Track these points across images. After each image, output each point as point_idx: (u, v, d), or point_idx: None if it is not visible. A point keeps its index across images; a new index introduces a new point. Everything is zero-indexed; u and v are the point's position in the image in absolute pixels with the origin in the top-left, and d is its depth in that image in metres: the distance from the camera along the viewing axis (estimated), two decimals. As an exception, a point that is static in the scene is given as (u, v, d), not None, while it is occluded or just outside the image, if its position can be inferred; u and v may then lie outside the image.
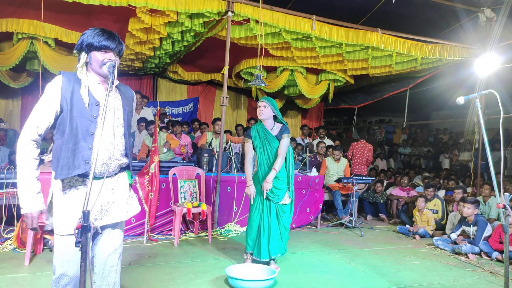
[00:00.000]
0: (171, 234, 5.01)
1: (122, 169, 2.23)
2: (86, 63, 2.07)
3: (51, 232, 4.18)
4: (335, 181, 6.69)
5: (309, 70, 8.18)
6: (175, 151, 6.63)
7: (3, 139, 6.93)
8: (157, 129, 5.04)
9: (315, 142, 8.32)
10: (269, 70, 8.26)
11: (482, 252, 4.84)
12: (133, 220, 4.79)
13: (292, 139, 7.65)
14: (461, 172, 9.18)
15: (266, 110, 3.87)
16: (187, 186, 5.12)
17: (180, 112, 9.60)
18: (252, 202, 3.92)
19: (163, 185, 5.06)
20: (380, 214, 7.20)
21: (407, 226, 6.13)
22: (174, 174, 5.10)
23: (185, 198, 5.06)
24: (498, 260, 4.66)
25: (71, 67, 6.61)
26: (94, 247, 2.16)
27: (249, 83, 7.39)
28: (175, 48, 6.72)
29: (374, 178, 7.54)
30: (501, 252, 4.63)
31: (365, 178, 6.57)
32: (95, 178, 2.02)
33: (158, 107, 6.17)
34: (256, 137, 3.96)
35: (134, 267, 3.82)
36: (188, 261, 4.08)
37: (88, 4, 4.93)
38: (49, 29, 6.11)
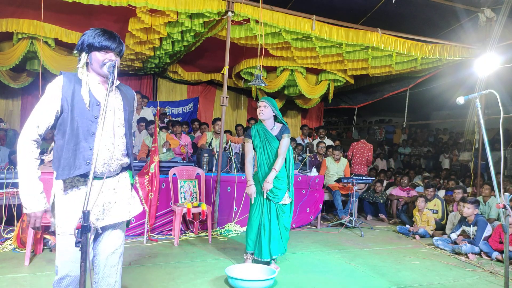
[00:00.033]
0: (171, 234, 5.01)
1: (124, 169, 2.24)
2: (87, 64, 2.07)
3: (51, 232, 4.18)
4: (335, 181, 6.69)
5: (309, 70, 8.18)
6: (175, 151, 6.63)
7: (3, 139, 6.93)
8: (157, 129, 5.04)
9: (315, 142, 8.32)
10: (269, 70, 8.26)
11: (482, 252, 4.84)
12: (133, 220, 4.79)
13: (292, 139, 7.65)
14: (461, 172, 9.18)
15: (266, 110, 3.87)
16: (187, 186, 5.12)
17: (180, 112, 9.60)
18: (252, 202, 3.92)
19: (163, 185, 5.06)
20: (380, 214, 7.20)
21: (407, 226, 6.13)
22: (174, 174, 5.10)
23: (185, 198, 5.06)
24: (498, 260, 4.66)
25: (71, 67, 6.61)
26: (95, 247, 2.16)
27: (249, 83, 7.39)
28: (175, 48, 6.72)
29: (374, 178, 7.54)
30: (501, 252, 4.63)
31: (365, 178, 6.57)
32: (97, 178, 2.02)
33: (158, 107, 6.16)
34: (256, 137, 3.96)
35: (134, 267, 3.82)
36: (188, 261, 4.08)
37: (88, 4, 4.93)
38: (49, 29, 6.11)
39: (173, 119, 8.45)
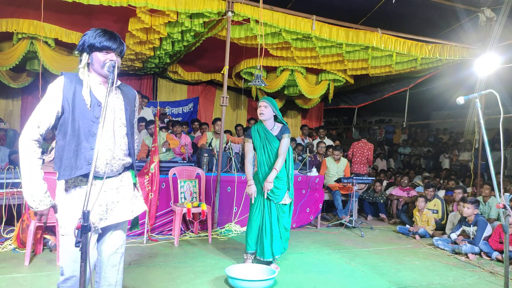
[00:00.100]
0: (171, 234, 5.01)
1: (126, 168, 2.24)
2: (88, 64, 2.08)
3: (51, 232, 4.18)
4: (335, 181, 6.69)
5: (309, 70, 8.18)
6: (175, 151, 6.63)
7: (3, 139, 6.92)
8: (157, 129, 5.04)
9: (315, 142, 8.32)
10: (269, 70, 8.26)
11: (482, 252, 4.84)
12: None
13: (292, 139, 7.65)
14: (461, 172, 9.18)
15: (266, 110, 3.87)
16: (187, 186, 5.12)
17: (180, 112, 9.60)
18: (253, 202, 3.92)
19: (163, 185, 5.06)
20: (380, 214, 7.20)
21: (407, 226, 6.13)
22: (174, 174, 5.10)
23: (185, 198, 5.06)
24: (498, 260, 4.66)
25: (71, 67, 6.61)
26: (98, 247, 2.16)
27: (249, 83, 7.39)
28: (175, 48, 6.72)
29: (374, 178, 7.54)
30: (501, 252, 4.63)
31: (365, 178, 6.57)
32: (99, 178, 2.03)
33: (158, 107, 6.17)
34: (256, 137, 3.96)
35: (134, 267, 3.82)
36: (188, 261, 4.08)
37: (88, 4, 4.93)
38: (49, 29, 6.11)
39: (173, 119, 8.45)
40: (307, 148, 8.06)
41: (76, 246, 1.67)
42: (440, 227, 6.04)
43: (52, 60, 6.59)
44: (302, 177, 6.06)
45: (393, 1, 6.05)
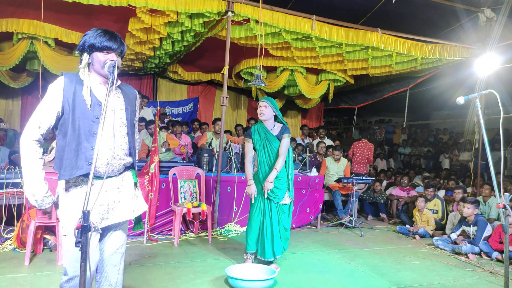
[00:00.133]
0: (171, 234, 5.01)
1: (127, 168, 2.24)
2: (88, 64, 2.08)
3: (51, 232, 4.18)
4: (335, 181, 6.69)
5: (309, 70, 8.18)
6: (175, 151, 6.64)
7: (3, 139, 6.92)
8: (157, 129, 5.04)
9: (315, 142, 8.32)
10: (269, 70, 8.26)
11: (482, 252, 4.84)
12: (133, 220, 4.77)
13: (292, 139, 7.65)
14: (461, 172, 9.17)
15: (267, 110, 3.87)
16: (187, 186, 5.12)
17: (180, 112, 9.60)
18: (253, 202, 3.92)
19: (163, 185, 5.06)
20: (381, 214, 7.19)
21: (407, 226, 6.13)
22: (174, 174, 5.10)
23: (185, 198, 5.06)
24: (498, 260, 4.66)
25: (71, 67, 6.61)
26: (100, 247, 2.16)
27: (249, 83, 7.39)
28: (175, 48, 6.72)
29: (374, 178, 7.54)
30: (501, 252, 4.63)
31: (365, 178, 6.57)
32: (100, 178, 2.03)
33: (158, 107, 6.17)
34: (256, 137, 3.96)
35: (134, 267, 3.82)
36: (188, 261, 4.08)
37: (88, 4, 4.93)
38: (49, 29, 6.11)
39: (173, 119, 8.45)
40: (307, 148, 8.06)
41: (76, 246, 1.67)
42: (440, 227, 6.04)
43: (52, 60, 6.59)
44: (302, 177, 6.06)
45: (393, 1, 6.05)
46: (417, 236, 5.76)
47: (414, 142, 12.29)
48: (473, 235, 5.03)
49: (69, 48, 6.88)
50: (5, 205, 4.37)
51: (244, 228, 5.25)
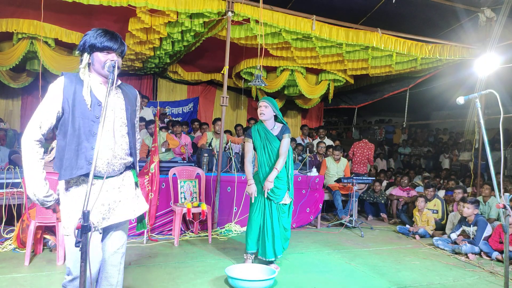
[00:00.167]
0: (171, 234, 5.01)
1: (127, 167, 2.24)
2: (89, 64, 2.08)
3: (51, 232, 4.18)
4: (335, 181, 6.69)
5: (309, 70, 8.18)
6: (175, 151, 6.64)
7: (3, 139, 6.92)
8: (157, 129, 5.04)
9: (315, 142, 8.32)
10: (269, 70, 8.26)
11: (482, 252, 4.84)
12: (133, 220, 4.77)
13: (292, 139, 7.65)
14: (461, 172, 9.17)
15: (267, 110, 3.87)
16: (187, 186, 5.12)
17: (180, 112, 9.60)
18: (253, 201, 3.91)
19: (163, 185, 5.06)
20: (381, 214, 7.19)
21: (407, 226, 6.13)
22: (174, 174, 5.10)
23: (185, 198, 5.06)
24: (498, 260, 4.66)
25: (71, 67, 6.61)
26: (102, 247, 2.17)
27: (249, 83, 7.39)
28: (175, 48, 6.72)
29: (374, 178, 7.54)
30: (501, 252, 4.63)
31: (365, 178, 6.57)
32: (100, 178, 2.03)
33: (158, 107, 6.17)
34: (256, 137, 3.96)
35: (134, 267, 3.83)
36: (188, 261, 4.08)
37: (88, 4, 4.93)
38: (49, 29, 6.11)
39: (173, 119, 8.45)
40: (307, 148, 8.06)
41: (76, 246, 1.67)
42: (440, 227, 6.04)
43: (52, 60, 6.59)
44: (302, 177, 6.06)
45: (393, 1, 6.05)
46: (417, 236, 5.76)
47: (414, 142, 12.29)
48: (473, 235, 5.03)
49: (69, 48, 6.88)
50: (5, 205, 4.37)
51: (244, 228, 5.25)
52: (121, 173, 2.19)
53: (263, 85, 6.17)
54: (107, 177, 2.06)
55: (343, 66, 7.57)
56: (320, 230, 5.98)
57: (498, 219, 5.65)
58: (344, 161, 7.02)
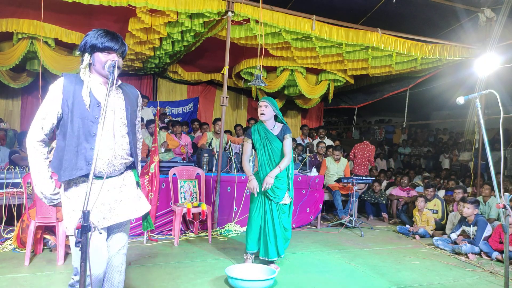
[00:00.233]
0: (171, 234, 5.01)
1: (128, 167, 2.24)
2: (90, 64, 2.08)
3: (51, 232, 4.18)
4: (335, 181, 6.69)
5: (309, 70, 8.18)
6: (175, 151, 6.64)
7: (3, 139, 6.92)
8: (157, 129, 5.04)
9: (315, 142, 8.32)
10: (269, 70, 8.26)
11: (482, 252, 4.84)
12: (133, 220, 4.78)
13: (292, 139, 7.64)
14: (461, 172, 9.17)
15: (267, 110, 3.87)
16: (187, 186, 5.12)
17: (180, 112, 9.61)
18: (255, 196, 3.90)
19: (163, 185, 5.06)
20: (382, 213, 7.19)
21: (407, 226, 6.12)
22: (174, 174, 5.10)
23: (185, 198, 5.06)
24: (498, 260, 4.66)
25: (71, 67, 6.61)
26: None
27: (249, 83, 7.39)
28: (175, 48, 6.72)
29: (374, 178, 7.54)
30: (501, 252, 4.63)
31: (365, 178, 6.57)
32: (101, 178, 2.04)
33: (158, 107, 6.17)
34: (256, 137, 3.96)
35: (134, 267, 3.82)
36: (188, 261, 4.08)
37: (88, 4, 4.93)
38: (49, 29, 6.10)
39: (173, 119, 8.45)
40: (307, 148, 8.05)
41: (76, 246, 1.67)
42: (440, 227, 6.04)
43: (52, 60, 6.58)
44: (302, 177, 6.06)
45: (393, 1, 6.05)
46: (417, 236, 5.76)
47: (414, 142, 12.29)
48: (473, 235, 5.03)
49: (69, 48, 6.88)
50: (5, 205, 4.37)
51: (244, 228, 5.25)
52: (121, 173, 2.19)
53: (263, 85, 6.17)
54: (107, 177, 2.07)
55: (343, 66, 7.57)
56: (320, 230, 5.98)
57: (498, 219, 5.65)
58: (344, 161, 7.02)
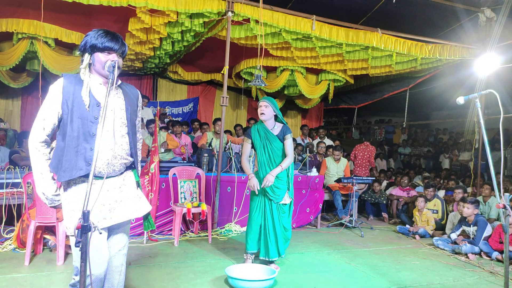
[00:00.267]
0: (171, 234, 5.01)
1: (128, 167, 2.24)
2: (90, 64, 2.08)
3: (51, 232, 4.18)
4: (335, 181, 6.69)
5: (309, 70, 8.18)
6: (175, 151, 6.64)
7: (3, 139, 6.92)
8: (157, 129, 5.04)
9: (315, 142, 8.32)
10: (269, 70, 8.26)
11: (482, 252, 4.84)
12: (133, 220, 4.78)
13: (292, 139, 7.65)
14: (461, 172, 9.17)
15: (267, 110, 3.87)
16: (187, 186, 5.12)
17: (180, 112, 9.61)
18: (257, 193, 3.89)
19: (163, 185, 5.06)
20: (383, 213, 7.19)
21: (407, 226, 6.12)
22: (174, 174, 5.10)
23: (185, 198, 5.06)
24: (498, 260, 4.66)
25: (71, 67, 6.61)
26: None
27: (249, 83, 7.39)
28: (175, 48, 6.72)
29: (374, 178, 7.54)
30: (501, 252, 4.63)
31: (365, 178, 6.57)
32: (100, 178, 2.04)
33: (158, 107, 6.17)
34: (256, 137, 3.96)
35: (134, 267, 3.82)
36: (188, 261, 4.08)
37: (88, 4, 4.93)
38: (49, 29, 6.10)
39: (173, 119, 8.45)
40: (307, 148, 8.05)
41: (76, 246, 1.67)
42: (440, 227, 6.04)
43: (52, 60, 6.58)
44: (302, 177, 6.06)
45: (393, 1, 6.05)
46: (417, 236, 5.76)
47: (414, 142, 12.29)
48: (473, 235, 5.03)
49: (69, 48, 6.88)
50: (5, 205, 4.37)
51: (244, 228, 5.25)
52: (121, 173, 2.19)
53: (263, 85, 6.17)
54: (107, 177, 2.07)
55: (343, 66, 7.57)
56: (320, 230, 5.98)
57: (498, 219, 5.65)
58: (344, 161, 7.02)
